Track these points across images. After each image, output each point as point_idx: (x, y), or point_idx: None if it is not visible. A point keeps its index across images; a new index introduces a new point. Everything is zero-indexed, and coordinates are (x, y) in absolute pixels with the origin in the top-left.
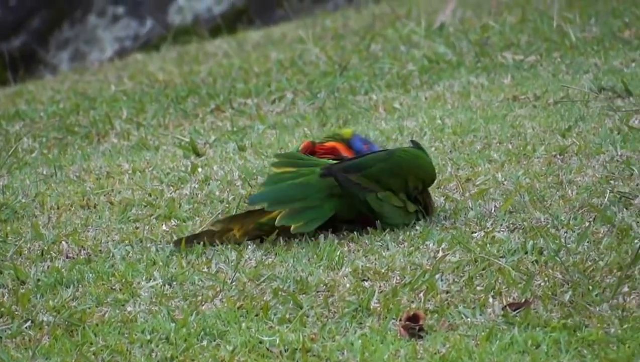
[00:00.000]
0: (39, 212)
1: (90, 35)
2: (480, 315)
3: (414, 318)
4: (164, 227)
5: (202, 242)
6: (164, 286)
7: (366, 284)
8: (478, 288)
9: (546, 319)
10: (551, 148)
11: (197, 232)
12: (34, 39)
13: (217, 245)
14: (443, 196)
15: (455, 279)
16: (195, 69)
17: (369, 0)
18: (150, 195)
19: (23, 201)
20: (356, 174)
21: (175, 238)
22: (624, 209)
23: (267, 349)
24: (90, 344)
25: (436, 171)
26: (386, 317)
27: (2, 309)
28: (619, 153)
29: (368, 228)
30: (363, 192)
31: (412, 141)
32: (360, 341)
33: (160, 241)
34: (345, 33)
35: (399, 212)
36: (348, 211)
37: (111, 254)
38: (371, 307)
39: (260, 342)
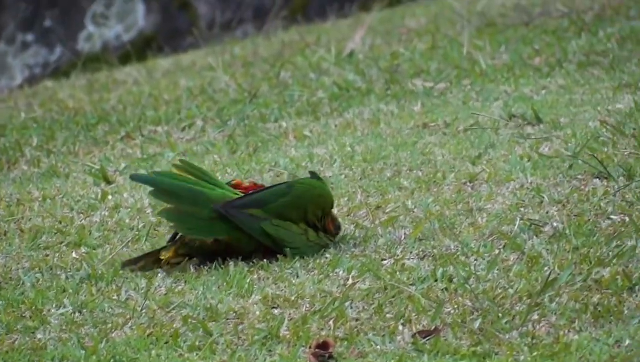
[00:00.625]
0: None
1: None
2: (390, 342)
3: (323, 346)
4: (74, 255)
5: (143, 265)
6: (74, 313)
7: (276, 311)
8: (388, 316)
9: (456, 347)
10: (461, 175)
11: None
12: None
13: (159, 268)
14: (353, 224)
15: (365, 307)
16: (105, 96)
17: (278, 27)
18: (60, 222)
19: None
20: (256, 209)
21: (85, 266)
22: (534, 237)
23: None
24: None
25: (346, 198)
26: (296, 345)
27: None
28: (529, 180)
29: (277, 256)
30: (257, 222)
31: (310, 172)
32: None
33: (70, 269)
34: (254, 60)
35: (299, 237)
36: (247, 243)
37: (21, 282)
38: (281, 334)
39: None
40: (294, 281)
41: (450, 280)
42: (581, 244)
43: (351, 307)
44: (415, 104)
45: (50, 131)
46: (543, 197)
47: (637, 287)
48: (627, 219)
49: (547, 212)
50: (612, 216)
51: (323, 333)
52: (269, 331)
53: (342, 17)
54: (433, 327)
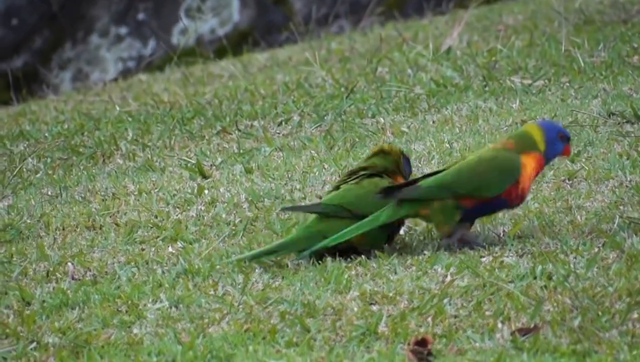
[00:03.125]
0: (44, 233)
1: (92, 55)
2: (489, 340)
3: (422, 342)
4: (170, 249)
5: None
6: (171, 308)
7: (374, 308)
8: (487, 313)
9: (555, 345)
10: (560, 173)
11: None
12: (36, 59)
13: None
14: None
15: (464, 304)
16: (201, 90)
17: (374, 23)
18: (156, 216)
19: (28, 221)
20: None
21: (182, 260)
22: (634, 235)
23: None
24: None
25: None
26: (394, 342)
27: (8, 331)
28: (628, 178)
29: (376, 252)
30: None
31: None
32: None
33: (167, 263)
34: (351, 56)
35: None
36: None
37: (117, 276)
38: (379, 331)
39: None
40: (392, 278)
41: (550, 278)
42: None
43: (450, 304)
44: (514, 101)
45: (146, 125)
46: None
47: None
48: None
49: None
50: None
51: (421, 330)
52: (367, 328)
53: (439, 14)
54: (532, 325)
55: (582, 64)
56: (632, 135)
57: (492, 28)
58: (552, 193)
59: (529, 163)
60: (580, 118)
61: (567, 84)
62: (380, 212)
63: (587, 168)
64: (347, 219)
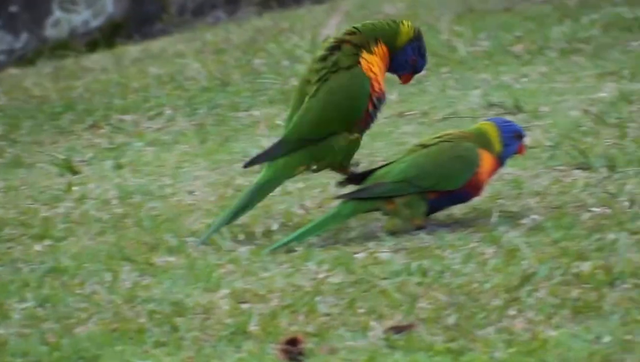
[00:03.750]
0: None
1: None
2: (362, 338)
3: (293, 342)
4: (37, 248)
5: None
6: (37, 307)
7: (244, 306)
8: (360, 311)
9: (430, 343)
10: None
11: None
12: None
13: None
14: None
15: (337, 301)
16: (72, 84)
17: (250, 13)
18: (24, 214)
19: None
20: None
21: (49, 258)
22: (512, 230)
23: None
24: None
25: (319, 190)
26: (265, 341)
27: None
28: (507, 171)
29: (250, 247)
30: None
31: None
32: None
33: (34, 261)
34: (226, 47)
35: None
36: None
37: None
38: (249, 330)
39: None
40: (263, 275)
41: (425, 274)
42: (561, 237)
43: (322, 302)
44: (392, 92)
45: (15, 120)
46: (522, 189)
47: (617, 281)
48: (608, 211)
49: (525, 204)
50: (593, 208)
51: (293, 329)
52: (236, 327)
53: (317, 3)
54: (407, 323)
55: (463, 54)
56: None
57: (372, 17)
58: None
59: (486, 159)
60: (459, 109)
61: (447, 74)
62: (340, 209)
63: None
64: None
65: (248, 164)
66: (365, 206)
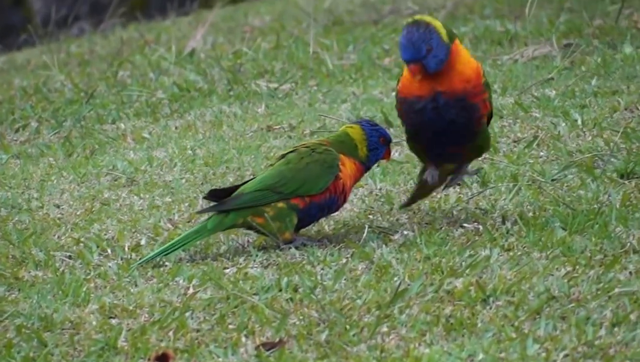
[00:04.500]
0: None
1: None
2: (233, 355)
3: (162, 357)
4: None
5: None
6: None
7: (114, 321)
8: (230, 326)
9: (301, 360)
10: None
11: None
12: None
13: None
14: None
15: (207, 317)
16: None
17: (116, 25)
18: None
19: None
20: None
21: None
22: (384, 245)
23: None
24: None
25: (187, 204)
26: (134, 357)
27: None
28: (379, 186)
29: (118, 262)
30: None
31: None
32: None
33: None
34: (91, 59)
35: None
36: None
37: None
38: (119, 345)
39: None
40: (132, 290)
41: (296, 290)
42: (433, 253)
43: (192, 318)
44: (259, 105)
45: None
46: (393, 204)
47: (491, 299)
48: (480, 227)
49: (397, 220)
50: (465, 225)
51: (162, 344)
52: (106, 342)
53: (183, 15)
54: (278, 339)
55: (331, 67)
56: None
57: (238, 29)
58: None
59: (347, 164)
60: (328, 123)
61: (315, 88)
62: (205, 223)
63: None
64: None
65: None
66: (231, 219)
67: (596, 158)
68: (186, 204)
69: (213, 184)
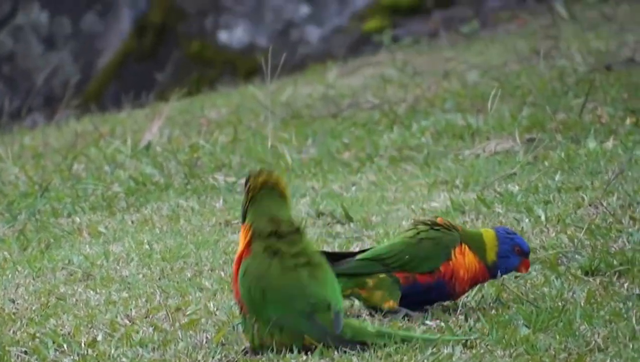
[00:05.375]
0: None
1: None
2: None
3: None
4: None
5: None
6: None
7: None
8: None
9: None
10: None
11: None
12: None
13: None
14: (152, 326)
15: None
16: None
17: (70, 116)
18: None
19: None
20: None
21: None
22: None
23: None
24: None
25: (144, 299)
26: None
27: None
28: None
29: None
30: None
31: None
32: None
33: None
34: (45, 152)
35: None
36: None
37: None
38: None
39: None
40: None
41: None
42: (394, 351)
43: None
44: (217, 200)
45: None
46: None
47: None
48: (443, 325)
49: (358, 317)
50: (427, 322)
51: None
52: None
53: (139, 107)
54: None
55: (290, 161)
56: (343, 236)
57: (194, 122)
58: None
59: (468, 256)
60: None
61: None
62: None
63: None
64: None
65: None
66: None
67: (560, 255)
68: (143, 299)
69: (171, 279)
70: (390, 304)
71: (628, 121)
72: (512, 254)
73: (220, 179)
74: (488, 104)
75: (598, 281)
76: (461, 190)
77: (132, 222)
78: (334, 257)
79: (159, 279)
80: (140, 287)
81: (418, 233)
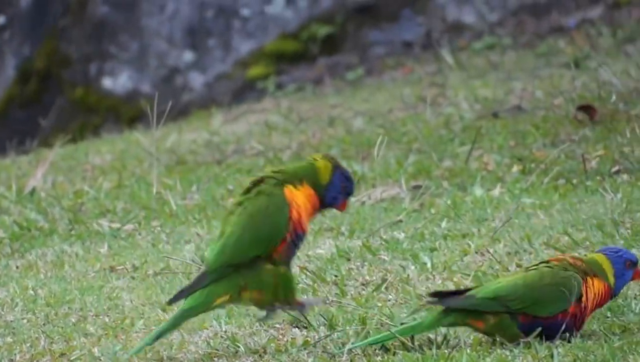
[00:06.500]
0: None
1: None
2: None
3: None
4: None
5: None
6: None
7: None
8: None
9: None
10: (151, 322)
11: None
12: None
13: None
14: None
15: None
16: None
17: None
18: None
19: None
20: None
21: None
22: None
23: None
24: None
25: (28, 345)
26: None
27: None
28: (224, 329)
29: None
30: None
31: None
32: None
33: None
34: None
35: None
36: None
37: None
38: None
39: None
40: None
41: None
42: None
43: None
44: (102, 245)
45: None
46: (239, 347)
47: None
48: None
49: None
50: None
51: None
52: None
53: (23, 153)
54: None
55: (174, 207)
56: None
57: (79, 168)
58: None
59: (595, 286)
60: (172, 264)
61: (159, 228)
62: (424, 318)
63: None
64: None
65: (172, 300)
66: (452, 318)
67: None
68: (27, 344)
69: (55, 325)
70: (512, 340)
71: (515, 168)
72: (626, 271)
73: (105, 225)
74: (374, 151)
75: None
76: (347, 237)
77: (17, 267)
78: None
79: (44, 324)
80: (25, 332)
81: (542, 277)
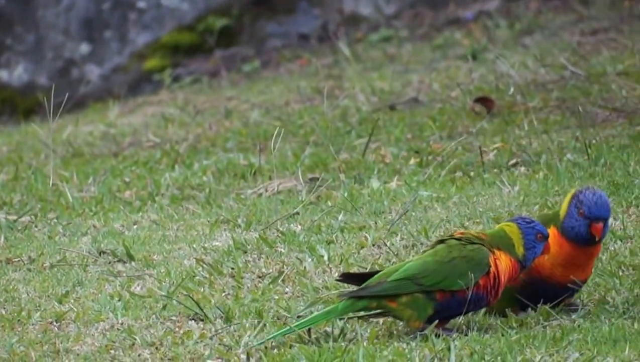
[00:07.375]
0: None
1: None
2: None
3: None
4: None
5: None
6: None
7: None
8: None
9: None
10: (47, 314)
11: None
12: None
13: None
14: None
15: None
16: None
17: None
18: None
19: None
20: None
21: None
22: None
23: None
24: None
25: None
26: None
27: None
28: (120, 321)
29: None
30: None
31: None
32: None
33: None
34: None
35: None
36: None
37: None
38: None
39: None
40: None
41: None
42: None
43: None
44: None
45: None
46: (135, 339)
47: None
48: None
49: (139, 355)
50: (209, 361)
51: None
52: None
53: None
54: None
55: (71, 199)
56: (124, 275)
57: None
58: (38, 336)
59: (503, 260)
60: (68, 256)
61: (55, 220)
62: (336, 305)
63: (76, 309)
64: None
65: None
66: (365, 303)
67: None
68: None
69: None
70: (416, 324)
71: (412, 161)
72: (537, 243)
73: (1, 217)
74: (270, 143)
75: (382, 321)
76: (243, 229)
77: None
78: (358, 279)
79: None
80: None
81: (450, 251)
